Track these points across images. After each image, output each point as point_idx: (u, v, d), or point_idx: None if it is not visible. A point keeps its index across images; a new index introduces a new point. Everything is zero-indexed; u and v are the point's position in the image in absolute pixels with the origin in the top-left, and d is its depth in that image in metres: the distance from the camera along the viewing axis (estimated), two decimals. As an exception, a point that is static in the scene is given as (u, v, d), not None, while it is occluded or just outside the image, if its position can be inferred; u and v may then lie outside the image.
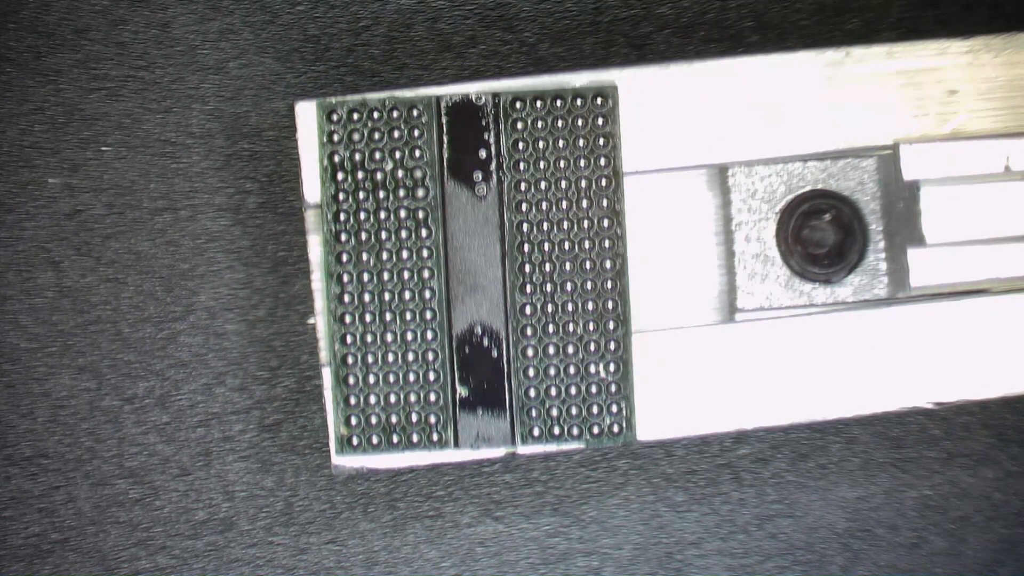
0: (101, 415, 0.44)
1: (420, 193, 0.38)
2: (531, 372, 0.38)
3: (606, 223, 0.38)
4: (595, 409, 0.38)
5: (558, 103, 0.38)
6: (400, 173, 0.38)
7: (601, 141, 0.38)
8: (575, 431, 0.38)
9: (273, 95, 0.44)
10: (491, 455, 0.39)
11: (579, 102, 0.38)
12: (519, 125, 0.38)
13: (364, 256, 0.38)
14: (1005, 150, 0.38)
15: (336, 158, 0.38)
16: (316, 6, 0.44)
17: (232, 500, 0.44)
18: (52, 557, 0.44)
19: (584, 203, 0.38)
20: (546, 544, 0.44)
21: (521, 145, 0.38)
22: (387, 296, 0.38)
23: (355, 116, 0.38)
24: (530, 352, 0.38)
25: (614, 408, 0.38)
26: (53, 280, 0.44)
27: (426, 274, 0.38)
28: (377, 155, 0.38)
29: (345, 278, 0.38)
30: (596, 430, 0.38)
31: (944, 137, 0.39)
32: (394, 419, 0.38)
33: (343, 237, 0.38)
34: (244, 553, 0.44)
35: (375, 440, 0.38)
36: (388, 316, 0.38)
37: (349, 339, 0.38)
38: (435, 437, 0.38)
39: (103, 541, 0.44)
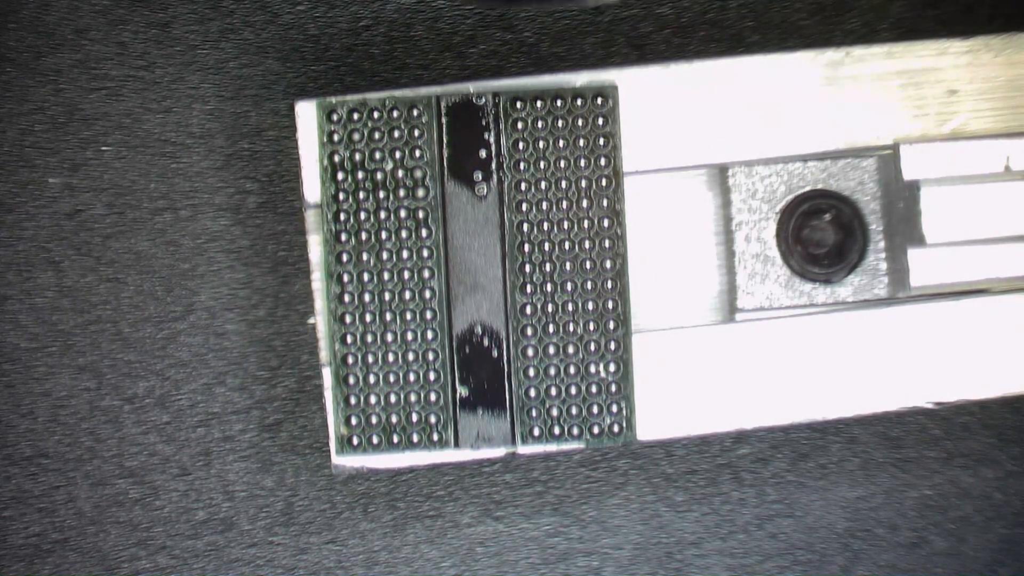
0: (101, 415, 0.44)
1: (420, 193, 0.38)
2: (531, 372, 0.38)
3: (606, 223, 0.38)
4: (595, 409, 0.38)
5: (558, 103, 0.38)
6: (400, 173, 0.38)
7: (601, 141, 0.38)
8: (575, 431, 0.38)
9: (273, 95, 0.44)
10: (491, 455, 0.39)
11: (579, 102, 0.38)
12: (519, 125, 0.38)
13: (364, 256, 0.38)
14: (1005, 150, 0.38)
15: (336, 158, 0.38)
16: (316, 6, 0.44)
17: (232, 500, 0.44)
18: (52, 557, 0.44)
19: (584, 203, 0.38)
20: (546, 544, 0.44)
21: (521, 145, 0.38)
22: (387, 296, 0.38)
23: (355, 116, 0.38)
24: (530, 352, 0.38)
25: (614, 408, 0.38)
26: (53, 280, 0.44)
27: (426, 274, 0.38)
28: (377, 155, 0.38)
29: (345, 278, 0.38)
30: (596, 430, 0.38)
31: (944, 137, 0.39)
32: (394, 419, 0.38)
33: (343, 237, 0.38)
34: (244, 553, 0.44)
35: (375, 440, 0.38)
36: (388, 316, 0.38)
37: (349, 339, 0.38)
38: (435, 437, 0.38)
39: (103, 541, 0.44)
